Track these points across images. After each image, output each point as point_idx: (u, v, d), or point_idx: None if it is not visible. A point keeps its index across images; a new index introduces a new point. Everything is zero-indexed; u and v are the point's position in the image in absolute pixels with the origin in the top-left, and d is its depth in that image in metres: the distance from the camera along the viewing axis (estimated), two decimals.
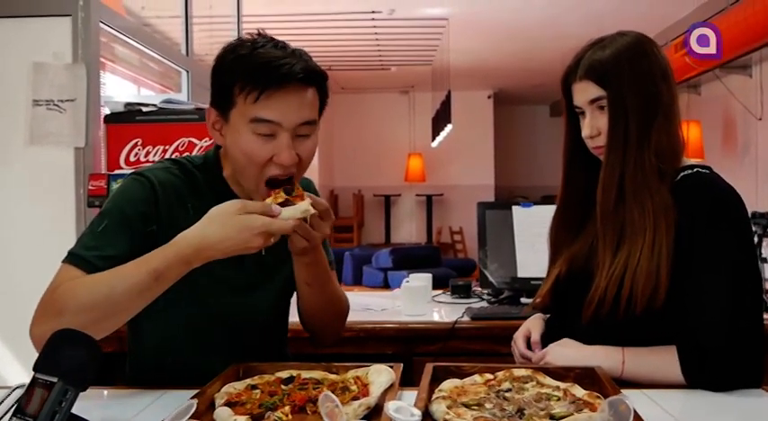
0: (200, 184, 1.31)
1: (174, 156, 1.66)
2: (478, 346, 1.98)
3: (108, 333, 1.12)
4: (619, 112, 1.27)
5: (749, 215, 1.33)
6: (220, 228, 1.10)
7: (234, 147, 1.23)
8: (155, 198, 1.25)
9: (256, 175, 1.22)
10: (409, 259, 6.95)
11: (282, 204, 1.15)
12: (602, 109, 1.29)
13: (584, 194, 1.37)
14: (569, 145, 1.40)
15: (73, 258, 1.17)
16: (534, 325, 1.47)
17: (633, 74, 1.26)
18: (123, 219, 1.22)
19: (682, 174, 1.28)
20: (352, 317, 2.04)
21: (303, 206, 1.16)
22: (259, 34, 1.24)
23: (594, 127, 1.30)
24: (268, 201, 1.16)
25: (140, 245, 1.18)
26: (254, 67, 1.18)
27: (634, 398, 1.04)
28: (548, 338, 1.40)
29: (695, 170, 1.29)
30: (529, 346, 1.43)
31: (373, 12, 6.41)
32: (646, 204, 1.25)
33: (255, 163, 1.21)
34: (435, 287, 2.54)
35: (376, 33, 7.18)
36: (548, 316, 1.50)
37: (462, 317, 2.05)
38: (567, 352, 1.30)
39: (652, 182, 1.25)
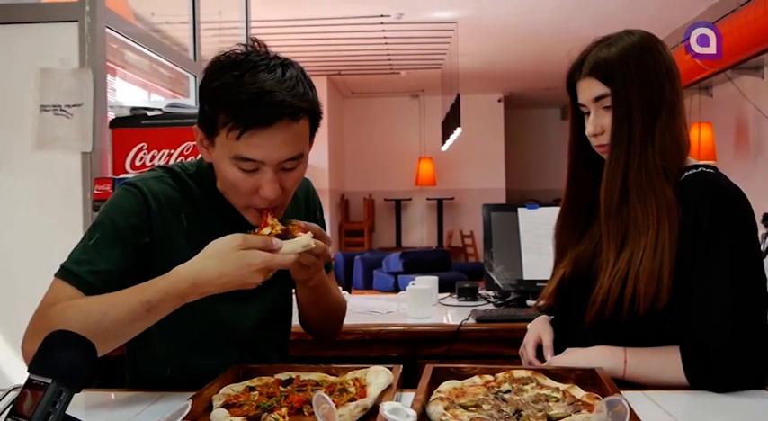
0: (195, 194, 1.27)
1: (179, 160, 1.64)
2: (484, 349, 1.97)
3: (100, 355, 1.11)
4: (623, 110, 1.25)
5: (762, 216, 1.31)
6: (218, 263, 1.07)
7: (219, 172, 1.21)
8: (147, 210, 1.21)
9: (243, 202, 1.20)
10: (420, 263, 6.91)
11: (281, 236, 1.13)
12: (606, 107, 1.28)
13: (590, 194, 1.36)
14: (574, 144, 1.38)
15: (65, 274, 1.15)
16: (544, 330, 1.44)
17: (638, 72, 1.25)
18: (115, 232, 1.18)
19: (686, 173, 1.27)
20: (357, 319, 2.05)
21: (304, 240, 1.13)
22: (254, 43, 1.17)
23: (598, 125, 1.29)
24: (266, 230, 1.13)
25: (133, 258, 1.17)
26: (237, 102, 1.09)
27: (635, 400, 1.03)
28: (556, 342, 1.39)
29: (699, 169, 1.27)
30: (539, 353, 1.41)
31: (382, 16, 6.41)
32: (649, 204, 1.23)
33: (241, 193, 1.18)
34: (446, 291, 2.53)
35: (385, 37, 7.19)
36: (552, 318, 1.48)
37: (468, 319, 2.04)
38: (570, 357, 1.28)
39: (656, 181, 1.24)
